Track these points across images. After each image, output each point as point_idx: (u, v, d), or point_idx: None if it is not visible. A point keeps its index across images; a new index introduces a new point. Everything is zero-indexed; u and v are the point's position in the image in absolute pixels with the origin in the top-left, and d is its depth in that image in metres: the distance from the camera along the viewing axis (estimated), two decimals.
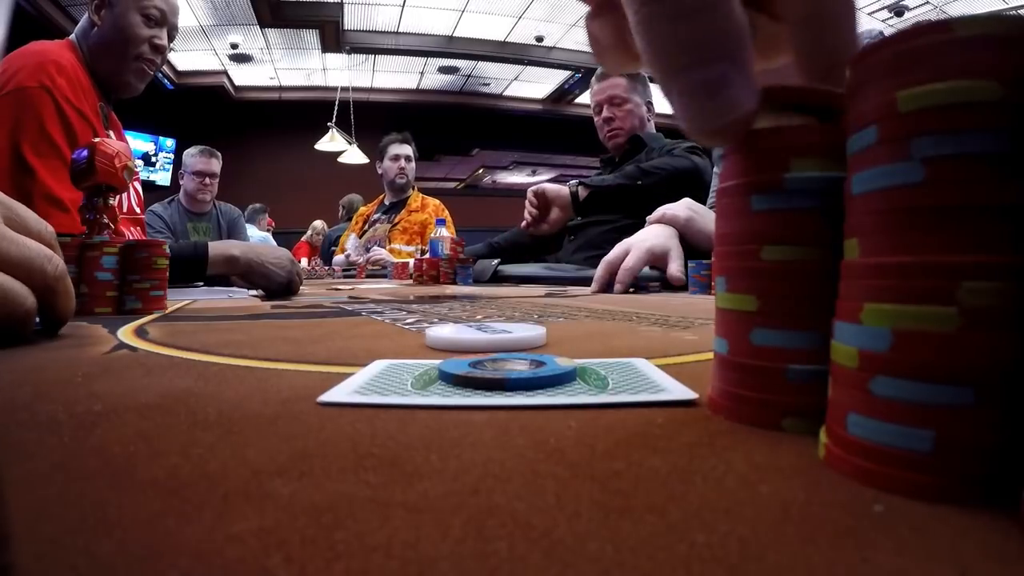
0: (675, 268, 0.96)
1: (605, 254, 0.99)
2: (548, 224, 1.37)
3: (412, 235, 2.35)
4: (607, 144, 1.67)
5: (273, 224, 4.29)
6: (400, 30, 4.44)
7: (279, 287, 0.86)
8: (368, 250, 2.21)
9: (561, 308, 0.61)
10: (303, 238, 4.38)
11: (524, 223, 1.35)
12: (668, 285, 0.96)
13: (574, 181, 1.33)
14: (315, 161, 4.78)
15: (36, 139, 0.89)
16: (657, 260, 0.98)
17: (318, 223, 4.36)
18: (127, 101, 1.16)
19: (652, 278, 0.98)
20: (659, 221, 1.04)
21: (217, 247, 0.87)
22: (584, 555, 0.10)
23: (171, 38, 1.14)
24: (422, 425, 0.17)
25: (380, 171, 2.48)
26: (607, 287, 0.96)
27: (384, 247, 2.25)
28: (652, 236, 1.00)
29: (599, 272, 0.97)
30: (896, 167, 0.12)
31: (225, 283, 1.11)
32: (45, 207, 0.86)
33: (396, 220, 2.39)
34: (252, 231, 3.21)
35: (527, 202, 1.32)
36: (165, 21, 1.11)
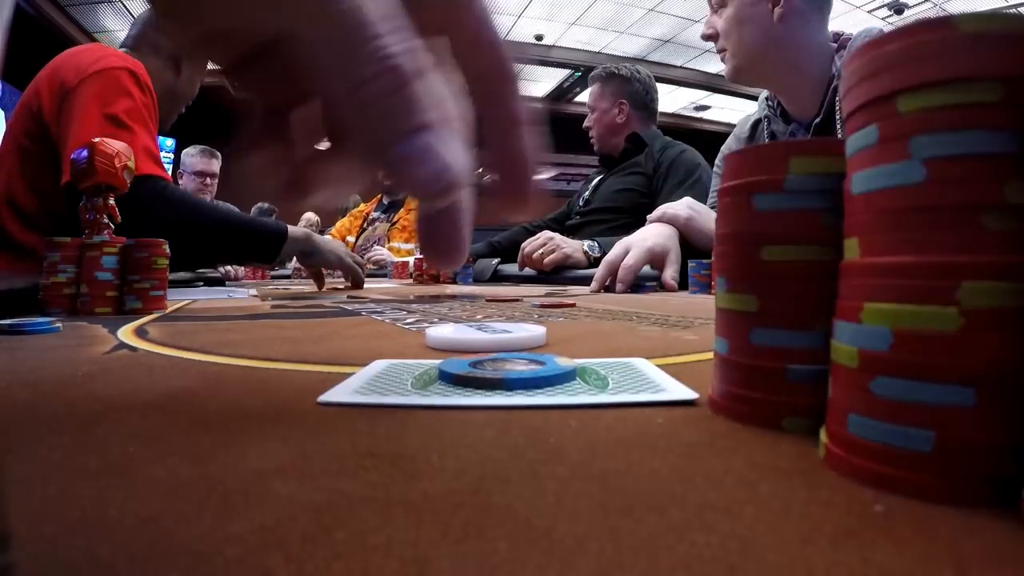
0: (670, 274, 0.96)
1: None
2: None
3: (411, 233, 2.36)
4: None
5: None
6: None
7: (332, 269, 1.07)
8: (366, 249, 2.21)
9: (561, 308, 0.61)
10: None
11: (521, 265, 1.32)
12: (664, 287, 0.96)
13: (595, 248, 1.28)
14: None
15: (127, 106, 0.96)
16: (656, 260, 0.98)
17: (310, 215, 4.36)
18: None
19: (650, 278, 0.98)
20: (660, 220, 1.04)
21: (292, 229, 1.00)
22: (584, 555, 0.10)
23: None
24: (422, 425, 0.17)
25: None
26: (608, 286, 0.95)
27: (383, 246, 2.25)
28: (652, 235, 0.99)
29: (600, 271, 0.97)
30: (896, 167, 0.12)
31: (224, 283, 1.11)
32: (143, 158, 0.91)
33: (395, 219, 2.39)
34: None
35: (532, 257, 1.27)
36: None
